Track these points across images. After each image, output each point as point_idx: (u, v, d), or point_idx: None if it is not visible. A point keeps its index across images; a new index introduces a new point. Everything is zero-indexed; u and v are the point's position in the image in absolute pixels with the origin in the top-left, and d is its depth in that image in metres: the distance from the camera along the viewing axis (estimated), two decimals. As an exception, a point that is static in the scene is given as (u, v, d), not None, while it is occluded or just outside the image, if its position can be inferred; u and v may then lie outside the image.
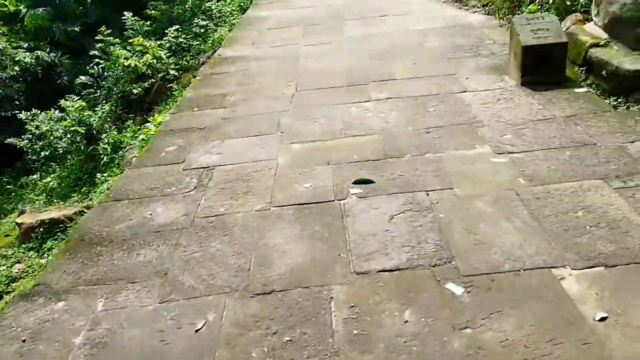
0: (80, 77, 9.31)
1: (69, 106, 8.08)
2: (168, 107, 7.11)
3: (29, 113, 7.97)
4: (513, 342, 2.34)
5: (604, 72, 4.68)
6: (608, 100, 4.57)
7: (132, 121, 8.09)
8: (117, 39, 9.00)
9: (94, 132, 8.01)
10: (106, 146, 7.38)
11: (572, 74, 5.09)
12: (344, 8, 9.24)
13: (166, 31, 9.01)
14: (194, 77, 7.47)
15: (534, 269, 2.75)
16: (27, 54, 10.14)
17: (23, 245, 4.82)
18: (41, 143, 8.03)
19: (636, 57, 4.58)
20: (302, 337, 2.51)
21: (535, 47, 4.93)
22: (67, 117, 8.06)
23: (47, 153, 8.01)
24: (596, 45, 4.92)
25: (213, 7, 10.11)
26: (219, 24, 9.73)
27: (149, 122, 6.30)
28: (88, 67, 9.22)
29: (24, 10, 10.79)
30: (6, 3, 10.97)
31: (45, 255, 4.53)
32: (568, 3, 6.10)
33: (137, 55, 8.35)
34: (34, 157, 8.24)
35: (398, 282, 2.77)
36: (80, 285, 3.07)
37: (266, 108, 5.29)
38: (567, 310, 2.47)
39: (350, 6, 9.33)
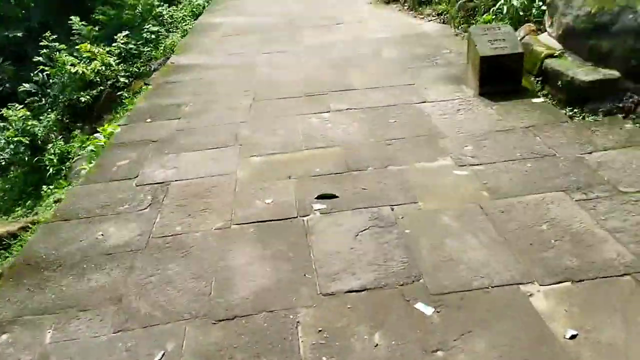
0: (23, 84, 8.87)
1: (11, 115, 7.69)
2: (118, 115, 6.85)
3: (-33, 123, 7.53)
4: (486, 365, 2.29)
5: (559, 83, 4.75)
6: (564, 111, 4.64)
7: (80, 131, 7.76)
8: (63, 45, 8.65)
9: (39, 142, 7.65)
10: (52, 157, 7.05)
11: (528, 84, 5.15)
12: (298, 15, 9.16)
13: (115, 37, 8.70)
14: (146, 84, 7.22)
15: (502, 285, 2.72)
16: (-36, 60, 9.63)
17: (-40, 268, 4.48)
18: (-20, 154, 7.61)
19: (590, 68, 4.68)
20: (269, 367, 2.38)
21: (493, 58, 4.97)
22: (10, 127, 7.68)
23: (-13, 165, 7.58)
24: (551, 56, 5.00)
25: (164, 12, 9.84)
26: (170, 29, 9.48)
27: (98, 132, 6.02)
28: (32, 74, 8.80)
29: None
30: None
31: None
32: (521, 13, 6.22)
33: (84, 62, 8.02)
34: (-27, 169, 7.80)
35: (366, 303, 2.68)
36: (26, 314, 2.83)
37: (223, 119, 5.12)
38: (537, 328, 2.44)
39: (304, 14, 9.26)
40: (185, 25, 9.58)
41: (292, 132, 4.68)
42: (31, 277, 3.12)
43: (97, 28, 9.38)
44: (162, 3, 10.13)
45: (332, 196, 3.62)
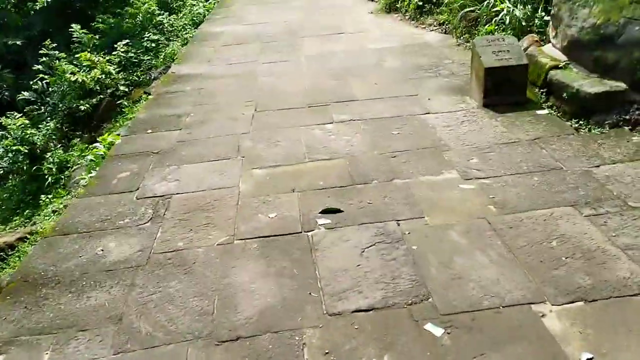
0: (23, 92, 8.82)
1: (10, 124, 7.63)
2: (118, 124, 6.80)
3: (-35, 131, 7.48)
4: (499, 390, 2.22)
5: (564, 95, 4.70)
6: (570, 123, 4.59)
7: (79, 139, 7.72)
8: (63, 54, 8.61)
9: (38, 151, 7.59)
10: (51, 166, 6.99)
11: (532, 96, 5.11)
12: (299, 25, 9.12)
13: (115, 45, 8.66)
14: (146, 93, 7.17)
15: (513, 305, 2.65)
16: (-37, 67, 9.58)
17: (-43, 281, 4.40)
18: (-22, 163, 7.55)
19: (595, 80, 4.63)
20: (275, 391, 2.31)
21: (498, 69, 4.92)
22: (8, 136, 7.62)
23: (-16, 173, 7.52)
24: (556, 67, 4.95)
25: (164, 21, 9.80)
26: (170, 38, 9.44)
27: (97, 141, 5.97)
28: (32, 83, 8.75)
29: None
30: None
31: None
32: (524, 24, 6.19)
33: (84, 71, 7.98)
34: (-30, 178, 7.74)
35: (374, 324, 2.61)
36: (23, 335, 2.75)
37: (225, 130, 5.05)
38: (551, 351, 2.37)
39: (305, 23, 9.21)
40: (186, 34, 9.54)
41: (295, 144, 4.62)
42: (29, 295, 3.04)
43: (97, 36, 9.35)
44: (162, 12, 10.10)
45: (337, 210, 3.56)
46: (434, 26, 8.09)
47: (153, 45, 8.94)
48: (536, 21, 6.13)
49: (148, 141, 5.00)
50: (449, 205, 3.55)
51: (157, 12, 9.90)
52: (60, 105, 8.12)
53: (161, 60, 8.45)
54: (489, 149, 4.27)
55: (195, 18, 10.49)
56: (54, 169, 6.91)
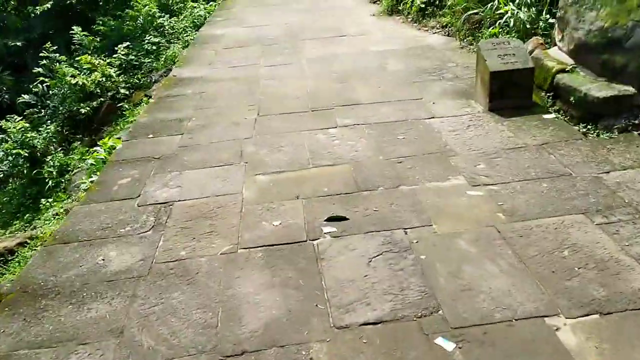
0: (23, 95, 8.76)
1: (10, 127, 7.58)
2: (119, 128, 6.74)
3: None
4: (514, 408, 2.15)
5: (571, 99, 4.63)
6: (577, 127, 4.52)
7: (79, 142, 7.67)
8: (63, 57, 8.55)
9: (38, 155, 7.54)
10: (51, 169, 6.95)
11: (538, 100, 5.04)
12: (300, 27, 9.05)
13: (116, 48, 8.60)
14: (147, 96, 7.11)
15: (526, 318, 2.57)
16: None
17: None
18: (-22, 167, 7.50)
19: (603, 84, 4.56)
20: (281, 408, 2.24)
21: (504, 73, 4.86)
22: (9, 139, 7.57)
23: (-16, 177, 7.48)
24: (562, 71, 4.88)
25: (165, 23, 9.75)
26: (171, 41, 9.37)
27: (98, 145, 5.91)
28: (32, 86, 8.70)
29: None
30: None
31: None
32: (528, 26, 6.12)
33: (85, 73, 7.92)
34: (-30, 182, 7.69)
35: (383, 337, 2.53)
36: (22, 348, 2.67)
37: (227, 135, 4.98)
38: (567, 367, 2.30)
39: (306, 25, 9.15)
40: (187, 36, 9.47)
41: (299, 149, 4.55)
42: (28, 306, 2.97)
43: (98, 39, 9.30)
44: (163, 14, 10.04)
45: (343, 218, 3.49)
46: (437, 29, 8.02)
47: (154, 47, 8.89)
48: (541, 24, 6.06)
49: (149, 146, 4.93)
50: (457, 213, 3.48)
51: (158, 14, 9.85)
52: (61, 108, 8.07)
53: (162, 62, 8.39)
54: (496, 154, 4.20)
55: (196, 20, 10.44)
56: (54, 173, 6.86)
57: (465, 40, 7.18)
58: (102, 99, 7.83)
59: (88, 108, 7.68)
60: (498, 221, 3.35)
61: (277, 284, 2.95)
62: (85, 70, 8.00)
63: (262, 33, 8.90)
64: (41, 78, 8.40)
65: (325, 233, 3.36)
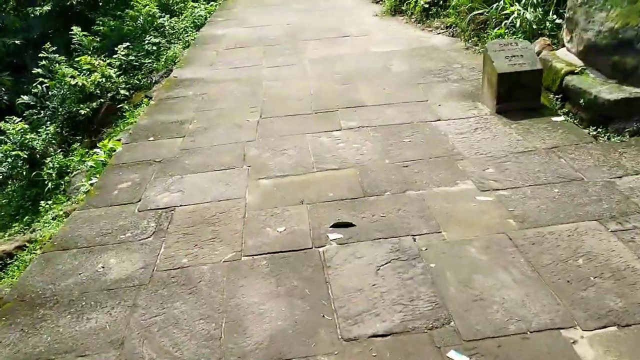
0: (22, 96, 8.67)
1: (9, 128, 7.49)
2: (119, 129, 6.66)
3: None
4: None
5: (581, 101, 4.54)
6: (587, 130, 4.42)
7: (79, 144, 7.57)
8: (63, 57, 8.46)
9: (38, 156, 7.45)
10: (51, 171, 6.85)
11: (546, 102, 4.95)
12: (302, 27, 8.96)
13: (116, 48, 8.51)
14: (147, 97, 7.02)
15: (541, 330, 2.48)
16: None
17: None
18: (-24, 169, 7.41)
19: (614, 86, 4.47)
20: None
21: (511, 75, 4.76)
22: (8, 141, 7.47)
23: (-17, 179, 7.39)
24: (572, 72, 4.79)
25: (166, 23, 9.66)
26: (172, 41, 9.29)
27: (97, 146, 5.82)
28: (31, 86, 8.61)
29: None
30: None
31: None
32: (535, 27, 6.03)
33: (84, 74, 7.83)
34: (-32, 184, 7.60)
35: (393, 350, 2.44)
36: (18, 360, 2.59)
37: (229, 138, 4.88)
38: (586, 383, 2.21)
39: (308, 26, 9.05)
40: (187, 36, 9.38)
41: (302, 152, 4.46)
42: (26, 316, 2.87)
43: (97, 39, 9.21)
44: (163, 14, 9.95)
45: (349, 224, 3.39)
46: (441, 29, 7.93)
47: (154, 48, 8.80)
48: (547, 24, 5.98)
49: (150, 149, 4.83)
50: (467, 219, 3.38)
51: (158, 14, 9.77)
52: (60, 109, 7.98)
53: (162, 63, 8.30)
54: (505, 158, 4.10)
55: (196, 21, 10.35)
56: (53, 175, 6.77)
57: (470, 41, 7.09)
58: (101, 100, 7.75)
59: (88, 109, 7.60)
60: (509, 228, 3.25)
61: (282, 293, 2.85)
62: (85, 71, 7.92)
63: (263, 33, 8.81)
64: (40, 79, 8.31)
65: (331, 240, 3.26)
